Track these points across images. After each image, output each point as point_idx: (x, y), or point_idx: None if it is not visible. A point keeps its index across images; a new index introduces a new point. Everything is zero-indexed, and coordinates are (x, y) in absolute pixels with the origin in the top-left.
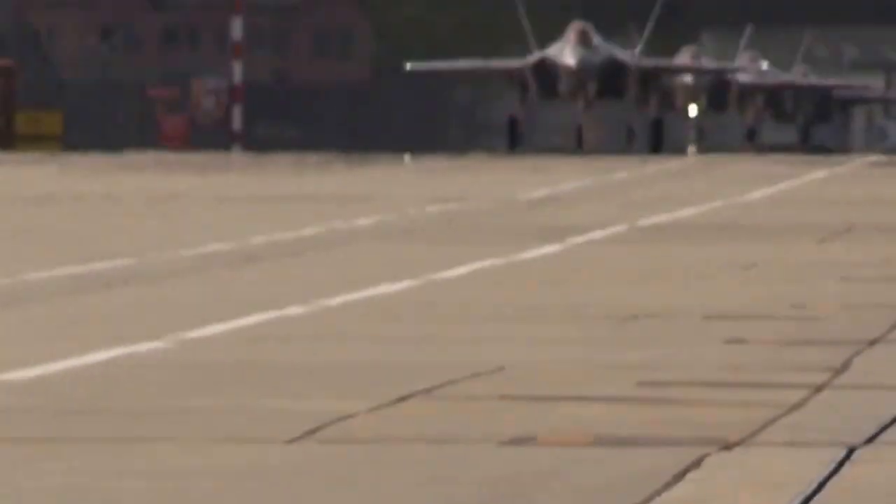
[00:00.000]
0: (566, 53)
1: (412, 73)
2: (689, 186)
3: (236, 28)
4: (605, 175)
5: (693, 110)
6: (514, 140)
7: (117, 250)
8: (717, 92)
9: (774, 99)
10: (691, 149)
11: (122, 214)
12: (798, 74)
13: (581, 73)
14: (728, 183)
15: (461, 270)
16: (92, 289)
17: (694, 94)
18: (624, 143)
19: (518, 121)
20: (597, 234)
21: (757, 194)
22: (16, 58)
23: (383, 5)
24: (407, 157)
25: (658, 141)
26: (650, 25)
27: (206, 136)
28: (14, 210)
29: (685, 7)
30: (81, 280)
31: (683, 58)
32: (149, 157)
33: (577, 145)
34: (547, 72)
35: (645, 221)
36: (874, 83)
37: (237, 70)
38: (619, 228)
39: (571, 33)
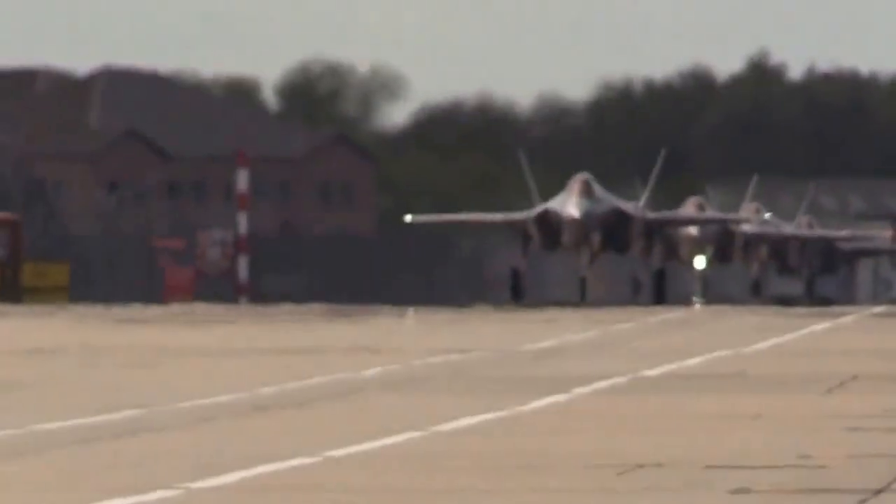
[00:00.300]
0: (569, 205)
1: (413, 225)
2: (694, 337)
3: (242, 180)
4: (609, 326)
5: (699, 262)
6: (517, 292)
7: (124, 401)
8: (723, 243)
9: (779, 250)
10: (697, 300)
11: (128, 366)
12: (803, 225)
13: (584, 225)
14: (733, 334)
15: (466, 421)
16: (99, 439)
17: (700, 245)
18: (629, 295)
19: (520, 273)
20: (601, 385)
21: (762, 345)
22: (21, 210)
23: (388, 157)
24: (410, 312)
25: (661, 292)
26: (654, 176)
27: (212, 288)
28: (20, 362)
29: (689, 159)
30: (89, 431)
31: (688, 209)
32: (155, 308)
33: (581, 297)
34: (550, 223)
35: (649, 372)
36: (880, 234)
37: (243, 221)
38: (624, 379)
39: (574, 185)
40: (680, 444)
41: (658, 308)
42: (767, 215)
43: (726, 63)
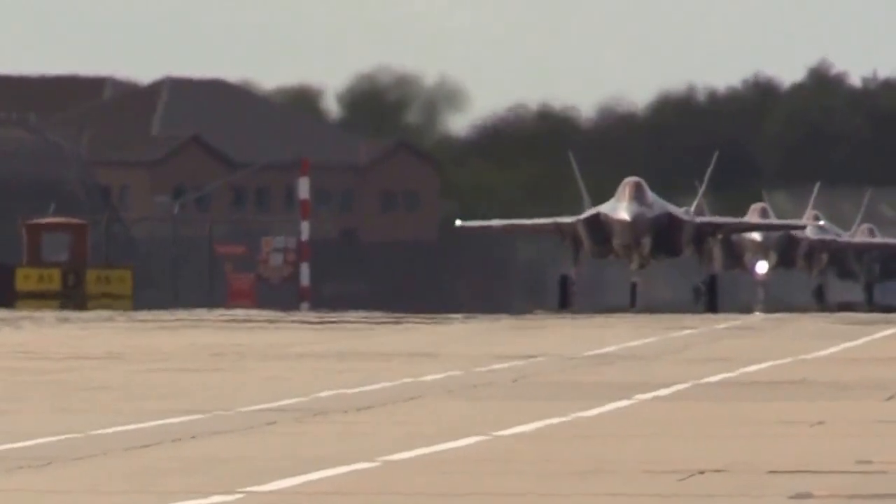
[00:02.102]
0: (620, 208)
1: (473, 233)
2: (755, 344)
3: (304, 187)
4: (670, 333)
5: (761, 267)
6: (566, 299)
7: (186, 405)
8: (786, 249)
9: (838, 257)
10: (759, 307)
11: (189, 370)
12: (864, 233)
13: (635, 228)
14: (794, 340)
15: (527, 427)
16: (160, 444)
17: (763, 250)
18: (690, 302)
19: (570, 279)
20: (663, 391)
21: (824, 352)
22: (86, 216)
23: (451, 164)
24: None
25: (713, 298)
26: (706, 178)
27: (274, 294)
28: (84, 366)
29: (751, 167)
30: (150, 435)
31: (752, 216)
32: (217, 313)
33: (631, 303)
34: (600, 227)
35: (711, 378)
36: None
37: (305, 228)
38: (685, 385)
39: (625, 189)
40: (741, 450)
41: (716, 315)
42: (821, 222)
43: (788, 72)
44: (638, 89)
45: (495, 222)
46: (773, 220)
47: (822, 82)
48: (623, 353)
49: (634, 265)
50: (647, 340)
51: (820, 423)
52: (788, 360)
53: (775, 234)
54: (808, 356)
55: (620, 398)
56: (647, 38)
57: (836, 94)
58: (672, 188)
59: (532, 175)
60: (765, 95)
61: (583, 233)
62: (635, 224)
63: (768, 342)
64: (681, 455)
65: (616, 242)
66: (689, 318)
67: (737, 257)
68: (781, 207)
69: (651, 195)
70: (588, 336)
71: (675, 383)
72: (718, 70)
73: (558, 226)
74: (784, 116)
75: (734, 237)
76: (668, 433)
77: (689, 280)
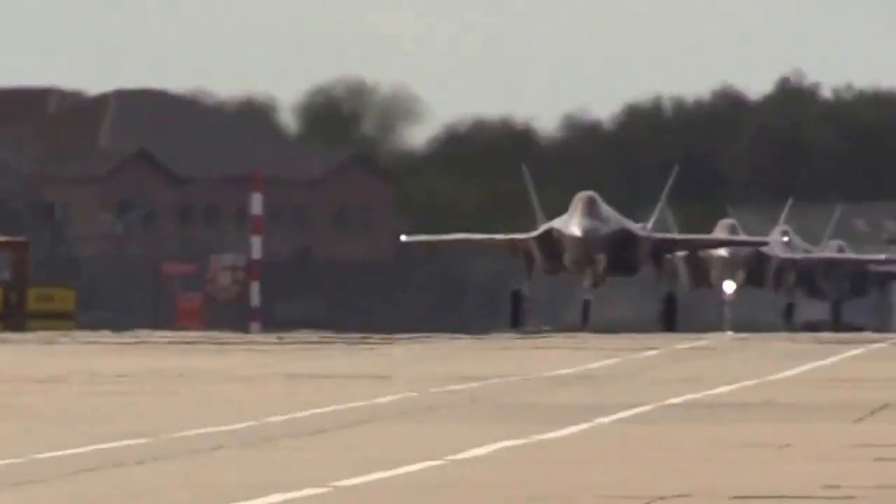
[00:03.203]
0: (572, 224)
1: (430, 250)
2: (720, 365)
3: (256, 202)
4: (632, 353)
5: (728, 286)
6: (518, 316)
7: (130, 429)
8: (754, 267)
9: (807, 274)
10: (726, 327)
11: (134, 393)
12: (833, 249)
13: (587, 244)
14: (760, 361)
15: (483, 450)
16: (103, 468)
17: (730, 268)
18: (652, 321)
19: (522, 296)
20: (624, 414)
21: (791, 373)
22: (29, 233)
23: (407, 178)
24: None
25: (671, 317)
26: (665, 193)
27: (224, 314)
28: (24, 389)
29: (719, 181)
30: (93, 459)
31: (720, 232)
32: (163, 334)
33: (584, 322)
34: (553, 243)
35: (675, 400)
36: None
37: (256, 245)
38: (648, 407)
39: (578, 203)
40: (705, 475)
41: (678, 334)
42: (786, 238)
43: (758, 83)
44: (603, 101)
45: (443, 237)
46: (737, 237)
47: (792, 94)
48: (584, 373)
49: (588, 282)
50: (607, 361)
51: (787, 445)
52: (754, 380)
53: (743, 251)
54: (775, 377)
55: (580, 421)
56: (613, 48)
57: (807, 106)
58: (638, 203)
59: (492, 189)
60: (734, 108)
61: (535, 249)
62: (587, 240)
63: (734, 363)
64: (642, 480)
65: (568, 259)
66: (651, 338)
67: (703, 275)
68: (749, 223)
69: (606, 210)
70: (547, 356)
71: (637, 405)
72: (686, 82)
73: (511, 241)
74: (753, 129)
75: (701, 254)
76: (630, 457)
77: (649, 298)
